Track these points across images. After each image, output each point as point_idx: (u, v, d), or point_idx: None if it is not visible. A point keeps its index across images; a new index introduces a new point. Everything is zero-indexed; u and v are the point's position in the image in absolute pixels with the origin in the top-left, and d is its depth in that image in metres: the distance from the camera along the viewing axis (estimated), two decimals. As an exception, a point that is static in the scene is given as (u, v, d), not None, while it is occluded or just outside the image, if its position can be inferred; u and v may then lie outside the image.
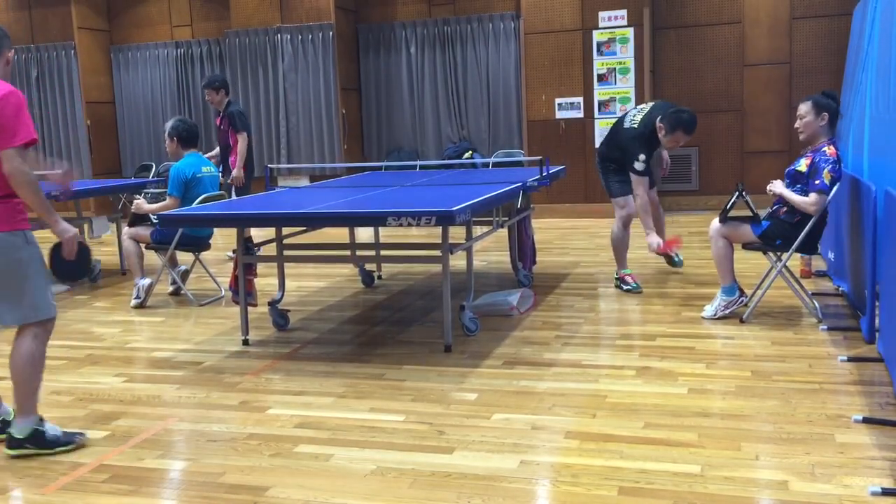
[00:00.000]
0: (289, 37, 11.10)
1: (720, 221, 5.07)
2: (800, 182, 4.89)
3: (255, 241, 5.42)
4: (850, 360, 4.21)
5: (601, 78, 10.00)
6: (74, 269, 3.71)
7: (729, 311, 5.11)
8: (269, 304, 5.40)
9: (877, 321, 4.31)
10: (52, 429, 3.50)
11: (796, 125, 4.97)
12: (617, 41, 9.90)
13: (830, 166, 4.72)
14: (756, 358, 4.33)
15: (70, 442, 3.51)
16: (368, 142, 11.73)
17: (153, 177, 11.07)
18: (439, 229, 4.52)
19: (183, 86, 12.32)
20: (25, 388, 3.42)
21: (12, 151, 3.24)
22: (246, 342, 5.02)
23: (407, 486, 3.01)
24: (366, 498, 2.94)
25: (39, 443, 3.45)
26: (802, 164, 4.88)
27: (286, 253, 5.56)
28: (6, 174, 3.26)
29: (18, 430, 3.44)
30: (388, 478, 3.09)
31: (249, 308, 5.13)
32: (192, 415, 3.87)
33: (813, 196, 4.76)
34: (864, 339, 4.49)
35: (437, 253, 4.70)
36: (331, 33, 10.92)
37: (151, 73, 12.41)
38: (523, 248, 6.48)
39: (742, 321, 5.00)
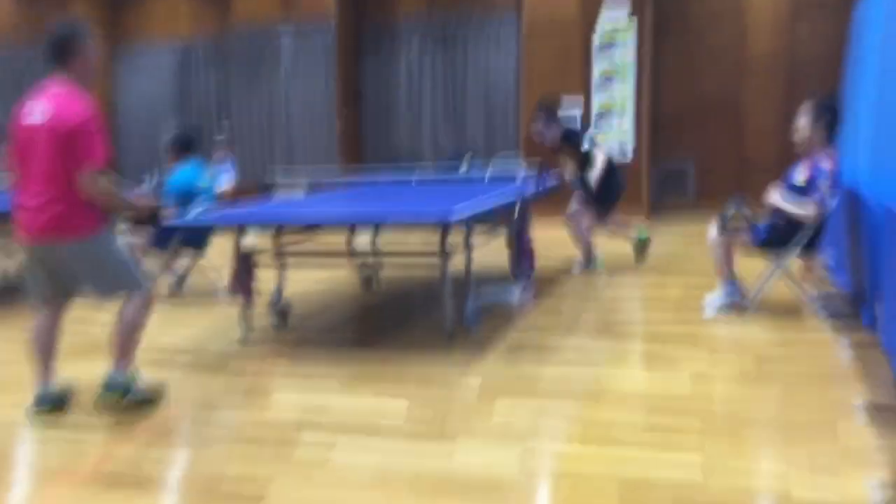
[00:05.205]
0: (289, 37, 11.11)
1: (718, 232, 5.07)
2: (798, 193, 4.88)
3: (254, 249, 5.39)
4: (850, 354, 4.22)
5: (601, 77, 10.01)
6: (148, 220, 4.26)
7: (730, 309, 5.12)
8: (269, 305, 5.41)
9: (876, 321, 4.32)
10: (140, 385, 3.84)
11: (794, 137, 4.94)
12: (617, 41, 9.92)
13: (829, 179, 4.73)
14: (757, 351, 4.34)
15: (154, 393, 3.87)
16: (368, 142, 11.75)
17: (152, 180, 11.06)
18: (437, 235, 4.54)
19: (183, 86, 12.34)
20: (130, 350, 3.78)
21: (90, 175, 3.52)
22: (246, 342, 5.02)
23: (408, 483, 3.01)
24: (366, 496, 2.94)
25: (129, 394, 3.78)
26: (801, 178, 4.87)
27: (286, 254, 5.56)
28: (90, 196, 3.56)
29: (115, 384, 3.75)
30: (389, 475, 3.09)
31: (249, 308, 5.14)
32: (192, 413, 3.88)
33: (811, 208, 4.76)
34: (864, 334, 4.50)
35: (436, 260, 4.70)
36: (331, 34, 10.94)
37: (151, 74, 12.43)
38: (522, 254, 6.48)
39: (744, 316, 5.01)
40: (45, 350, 3.84)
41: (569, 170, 6.98)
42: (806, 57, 10.02)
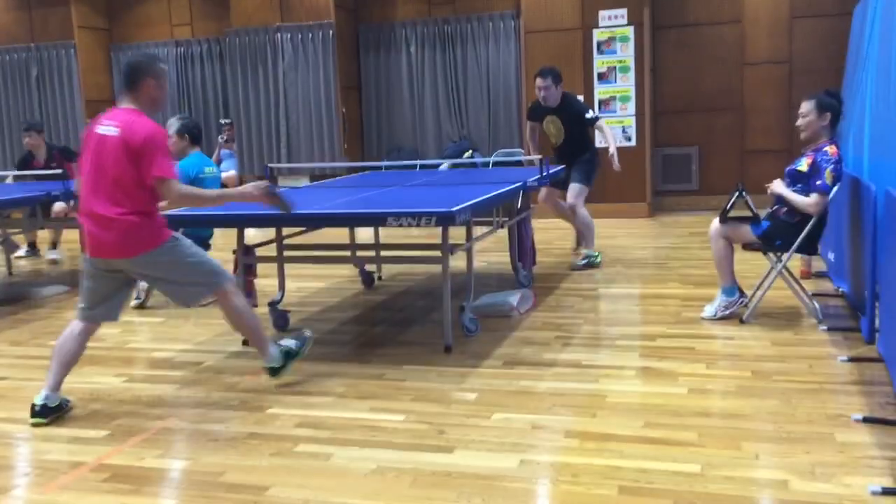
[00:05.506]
0: (289, 36, 11.10)
1: (720, 221, 5.06)
2: (800, 182, 4.88)
3: (255, 241, 5.41)
4: (850, 360, 4.21)
5: (601, 77, 9.99)
6: (279, 207, 4.11)
7: (729, 311, 5.11)
8: (270, 304, 5.40)
9: (877, 321, 4.31)
10: (289, 342, 4.21)
11: (798, 123, 4.97)
12: (617, 40, 9.90)
13: (832, 166, 4.72)
14: (756, 358, 4.33)
15: (305, 341, 4.27)
16: (369, 141, 11.74)
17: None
18: (439, 229, 4.52)
19: (183, 85, 12.32)
20: (255, 331, 4.08)
21: (165, 184, 3.68)
22: (246, 342, 5.01)
23: (407, 485, 3.01)
24: (366, 497, 2.94)
25: (291, 356, 4.16)
26: (804, 164, 4.87)
27: (286, 253, 5.55)
28: (175, 203, 3.87)
29: (272, 362, 4.10)
30: (389, 477, 3.09)
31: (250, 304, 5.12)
32: (192, 415, 3.88)
33: (814, 196, 4.76)
34: (864, 340, 4.49)
35: (437, 253, 4.70)
36: (331, 32, 10.93)
37: (151, 73, 12.41)
38: (523, 248, 6.48)
39: (742, 322, 5.00)
40: (65, 361, 3.86)
41: (552, 134, 7.07)
42: (807, 56, 9.98)
